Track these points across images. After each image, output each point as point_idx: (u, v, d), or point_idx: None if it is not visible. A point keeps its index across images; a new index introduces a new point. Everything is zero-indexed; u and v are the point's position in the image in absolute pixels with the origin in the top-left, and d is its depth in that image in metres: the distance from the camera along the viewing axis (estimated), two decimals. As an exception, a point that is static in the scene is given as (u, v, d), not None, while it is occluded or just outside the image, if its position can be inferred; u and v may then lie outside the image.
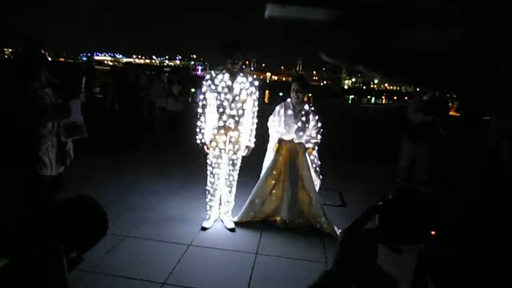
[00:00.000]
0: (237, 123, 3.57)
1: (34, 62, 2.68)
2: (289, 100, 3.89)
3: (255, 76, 3.93)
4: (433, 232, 1.15)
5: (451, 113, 9.20)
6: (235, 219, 3.90)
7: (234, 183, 3.81)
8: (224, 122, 3.54)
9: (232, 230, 3.75)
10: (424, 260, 1.19)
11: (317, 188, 3.92)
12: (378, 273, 1.22)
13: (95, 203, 1.35)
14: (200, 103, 3.61)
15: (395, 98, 52.92)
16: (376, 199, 1.25)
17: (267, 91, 39.84)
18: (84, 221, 1.28)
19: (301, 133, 3.80)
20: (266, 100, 28.77)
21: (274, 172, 3.89)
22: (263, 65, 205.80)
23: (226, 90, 3.50)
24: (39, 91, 2.69)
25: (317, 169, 3.97)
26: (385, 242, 1.17)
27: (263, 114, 4.00)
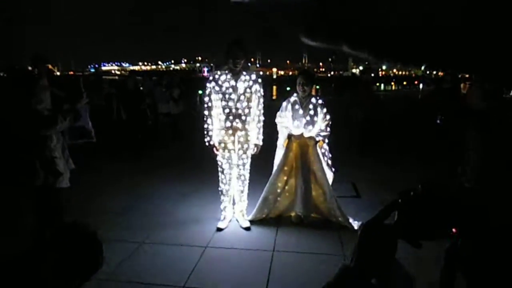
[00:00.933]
0: (244, 122, 3.55)
1: (30, 78, 2.70)
2: (295, 94, 3.86)
3: (261, 73, 3.90)
4: (454, 230, 1.12)
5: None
6: (250, 217, 3.90)
7: (246, 182, 3.80)
8: (231, 122, 3.53)
9: (247, 229, 3.75)
10: (452, 257, 1.17)
11: (330, 181, 3.88)
12: (397, 269, 1.20)
13: (89, 231, 1.31)
14: (206, 105, 3.60)
15: (404, 83, 52.01)
16: (396, 195, 1.22)
17: (274, 87, 39.78)
18: (77, 252, 1.25)
19: (310, 127, 3.77)
20: (274, 96, 28.69)
21: (286, 168, 3.87)
22: (269, 61, 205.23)
23: (230, 90, 3.49)
24: (38, 106, 2.71)
25: (329, 162, 3.93)
26: (404, 237, 1.15)
27: (272, 110, 3.98)
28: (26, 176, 2.68)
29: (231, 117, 3.52)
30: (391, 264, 1.20)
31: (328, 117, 3.78)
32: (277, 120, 3.91)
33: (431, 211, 1.12)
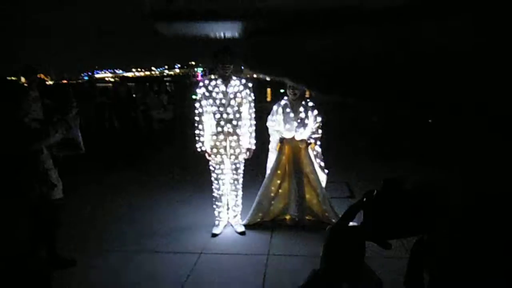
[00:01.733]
0: (235, 127, 3.56)
1: (17, 90, 2.66)
2: (286, 98, 3.88)
3: (255, 76, 3.93)
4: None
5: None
6: (245, 222, 3.91)
7: (240, 187, 3.81)
8: (222, 127, 3.54)
9: (242, 233, 3.76)
10: (417, 255, 1.16)
11: (323, 183, 3.90)
12: (366, 273, 1.20)
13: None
14: (196, 111, 3.60)
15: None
16: (361, 196, 1.22)
17: (268, 89, 39.73)
18: None
19: (301, 130, 3.79)
20: (268, 98, 28.69)
21: (279, 172, 3.88)
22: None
23: (220, 95, 3.50)
24: (26, 119, 2.70)
25: (321, 164, 3.95)
26: (371, 238, 1.15)
27: (266, 112, 3.99)
28: (20, 190, 2.65)
29: (222, 122, 3.53)
30: (360, 266, 1.20)
31: (319, 119, 3.80)
32: (268, 124, 3.93)
33: (395, 208, 1.11)
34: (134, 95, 8.02)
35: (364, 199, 1.14)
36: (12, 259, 2.57)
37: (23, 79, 5.23)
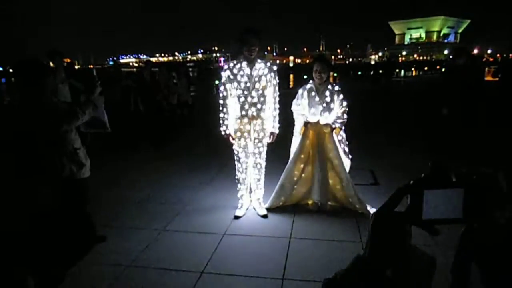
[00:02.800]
0: (259, 110, 3.55)
1: (38, 72, 2.64)
2: (311, 82, 3.82)
3: (277, 62, 3.87)
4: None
5: (487, 78, 8.73)
6: (267, 205, 3.93)
7: (263, 170, 3.82)
8: (247, 111, 3.53)
9: (264, 216, 3.78)
10: (467, 245, 1.11)
11: (347, 168, 3.85)
12: (414, 254, 1.16)
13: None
14: (221, 94, 3.60)
15: (425, 68, 50.61)
16: (408, 179, 1.17)
17: (291, 75, 39.46)
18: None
19: (326, 114, 3.73)
20: (291, 84, 28.49)
21: (302, 156, 3.86)
22: (285, 49, 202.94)
23: (245, 78, 3.47)
24: (54, 99, 2.75)
25: (346, 149, 3.89)
26: (418, 223, 1.10)
27: (288, 98, 3.96)
28: (52, 169, 2.73)
29: (246, 106, 3.52)
30: (407, 252, 1.16)
31: (345, 103, 3.73)
32: (293, 107, 3.89)
33: (444, 193, 1.07)
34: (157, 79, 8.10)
35: (412, 182, 1.09)
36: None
37: (51, 64, 5.36)
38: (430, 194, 1.06)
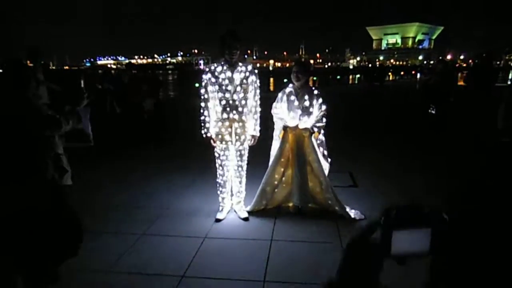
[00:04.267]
0: (241, 113, 3.57)
1: (24, 73, 2.56)
2: (291, 85, 3.87)
3: (257, 65, 3.89)
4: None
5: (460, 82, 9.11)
6: (248, 208, 3.94)
7: (244, 173, 3.84)
8: (228, 114, 3.54)
9: (245, 219, 3.80)
10: (437, 273, 1.17)
11: (326, 171, 3.92)
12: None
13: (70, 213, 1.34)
14: (201, 97, 3.58)
15: (402, 73, 52.07)
16: (380, 212, 1.24)
17: (271, 79, 39.69)
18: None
19: (305, 118, 3.78)
20: (271, 87, 28.66)
21: (282, 160, 3.90)
22: (265, 53, 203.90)
23: (227, 81, 3.48)
24: (39, 102, 2.66)
25: (325, 152, 3.96)
26: (387, 254, 1.17)
27: (269, 102, 3.99)
28: (35, 172, 2.57)
29: (228, 109, 3.53)
30: (374, 281, 1.22)
31: (324, 107, 3.79)
32: (273, 111, 3.93)
33: (412, 228, 1.15)
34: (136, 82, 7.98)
35: (382, 219, 1.16)
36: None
37: (28, 63, 5.20)
38: (399, 233, 1.14)
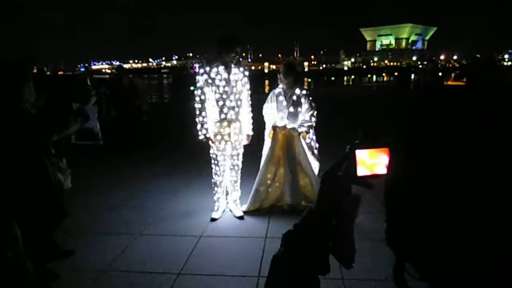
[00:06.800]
0: (237, 113, 3.65)
1: (17, 80, 2.55)
2: (280, 86, 3.96)
3: (253, 67, 3.98)
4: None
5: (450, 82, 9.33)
6: (243, 208, 4.02)
7: (239, 172, 3.92)
8: (226, 114, 3.60)
9: (240, 218, 3.87)
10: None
11: (316, 170, 4.00)
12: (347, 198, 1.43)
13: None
14: (198, 98, 3.62)
15: (395, 74, 52.49)
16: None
17: (266, 81, 39.83)
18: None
19: (294, 118, 3.87)
20: (266, 90, 28.79)
21: (273, 159, 3.99)
22: (260, 55, 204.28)
23: (223, 83, 3.54)
24: (28, 107, 2.63)
25: (315, 151, 4.04)
26: (355, 180, 1.38)
27: (263, 103, 4.07)
28: (40, 176, 2.58)
29: (225, 110, 3.59)
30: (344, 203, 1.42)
31: (312, 106, 3.87)
32: (264, 111, 4.02)
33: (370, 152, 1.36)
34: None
35: (348, 147, 1.38)
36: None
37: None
38: (361, 153, 1.36)
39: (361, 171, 1.36)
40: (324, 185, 1.44)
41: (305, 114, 3.88)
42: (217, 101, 3.58)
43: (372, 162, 1.36)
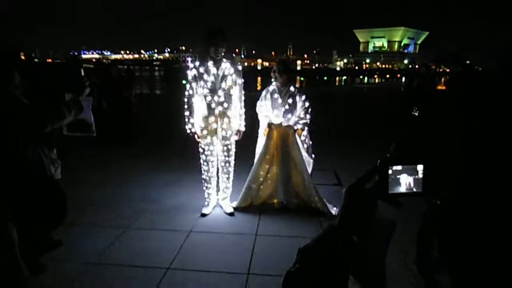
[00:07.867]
0: (226, 109, 3.62)
1: (6, 63, 2.46)
2: (274, 83, 3.95)
3: (245, 64, 3.95)
4: None
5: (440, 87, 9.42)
6: (234, 204, 4.01)
7: (231, 169, 3.90)
8: (213, 109, 3.59)
9: (231, 214, 3.86)
10: (429, 221, 1.25)
11: (310, 168, 4.01)
12: (376, 221, 1.32)
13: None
14: (186, 93, 3.62)
15: (387, 76, 52.97)
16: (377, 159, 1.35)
17: (259, 78, 39.81)
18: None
19: (289, 116, 3.87)
20: (258, 87, 28.76)
21: (267, 157, 3.98)
22: (253, 52, 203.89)
23: (212, 77, 3.53)
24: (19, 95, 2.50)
25: (309, 149, 4.05)
26: (383, 197, 1.27)
27: (256, 100, 4.06)
28: (35, 168, 2.54)
29: (213, 105, 3.58)
30: (371, 221, 1.33)
31: (307, 104, 3.87)
32: (258, 109, 4.01)
33: (405, 169, 1.26)
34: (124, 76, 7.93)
35: (379, 161, 1.28)
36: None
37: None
38: (394, 170, 1.22)
39: (393, 188, 1.24)
40: (348, 200, 1.37)
41: (300, 112, 3.88)
42: (205, 96, 3.56)
43: (405, 179, 1.26)
